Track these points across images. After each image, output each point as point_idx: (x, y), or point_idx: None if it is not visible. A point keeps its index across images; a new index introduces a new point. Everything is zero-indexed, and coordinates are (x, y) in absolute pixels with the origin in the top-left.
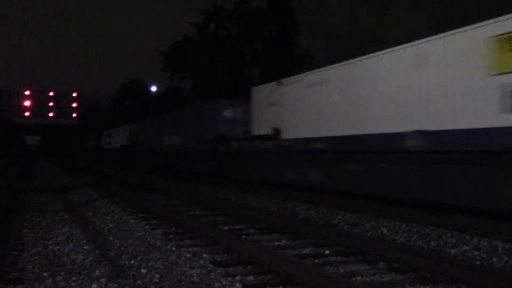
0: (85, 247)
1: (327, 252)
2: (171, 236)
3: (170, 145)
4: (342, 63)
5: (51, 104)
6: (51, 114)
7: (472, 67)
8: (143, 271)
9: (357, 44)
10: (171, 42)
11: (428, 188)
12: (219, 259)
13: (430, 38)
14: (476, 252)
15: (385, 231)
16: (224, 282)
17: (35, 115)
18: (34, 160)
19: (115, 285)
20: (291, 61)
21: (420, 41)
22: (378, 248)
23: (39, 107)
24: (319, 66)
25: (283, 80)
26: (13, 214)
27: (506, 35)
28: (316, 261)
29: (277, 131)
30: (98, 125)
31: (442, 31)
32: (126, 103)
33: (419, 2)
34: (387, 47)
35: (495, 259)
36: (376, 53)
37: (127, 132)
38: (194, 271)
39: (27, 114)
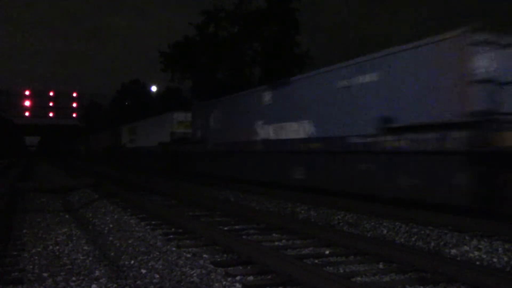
0: (85, 247)
1: (327, 252)
2: (171, 236)
3: (276, 141)
4: None
5: (51, 104)
6: (51, 114)
7: None
8: (143, 271)
9: (358, 45)
10: (171, 42)
11: None
12: (219, 260)
13: None
14: (476, 253)
15: (385, 232)
16: (224, 283)
17: (35, 115)
18: (34, 161)
19: (115, 285)
20: (291, 61)
21: None
22: (378, 248)
23: (39, 107)
24: (320, 67)
25: None
26: (13, 215)
27: None
28: (316, 261)
29: None
30: (108, 123)
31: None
32: (127, 103)
33: (419, 3)
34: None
35: (495, 260)
36: None
37: (169, 125)
38: (194, 271)
39: (27, 114)
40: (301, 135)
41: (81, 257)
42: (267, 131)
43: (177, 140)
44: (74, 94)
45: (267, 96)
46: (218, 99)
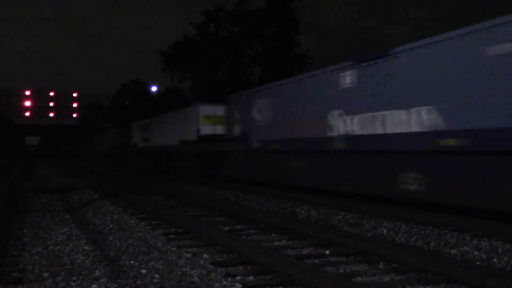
0: (85, 247)
1: (327, 252)
2: (171, 236)
3: (368, 137)
4: None
5: (51, 104)
6: (51, 114)
7: None
8: (143, 271)
9: (357, 45)
10: (171, 42)
11: None
12: (219, 260)
13: None
14: (476, 253)
15: (385, 232)
16: (224, 282)
17: (36, 115)
18: (34, 161)
19: (115, 285)
20: (291, 61)
21: None
22: (378, 248)
23: (39, 107)
24: (319, 67)
25: None
26: (13, 214)
27: None
28: (317, 261)
29: None
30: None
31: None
32: (127, 103)
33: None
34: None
35: (495, 260)
36: None
37: (194, 120)
38: (194, 271)
39: (27, 114)
40: (414, 127)
41: (81, 257)
42: (348, 124)
43: (206, 138)
44: (75, 94)
45: (348, 77)
46: (266, 86)
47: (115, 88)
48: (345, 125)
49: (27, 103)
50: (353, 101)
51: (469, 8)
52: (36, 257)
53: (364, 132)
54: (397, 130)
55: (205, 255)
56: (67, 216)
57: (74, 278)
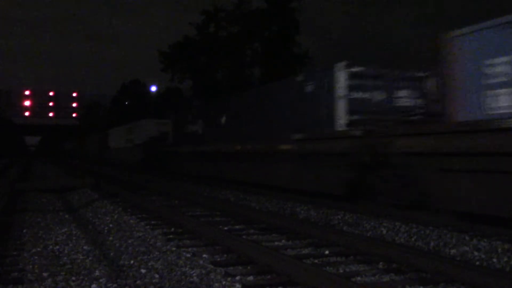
0: (85, 247)
1: (326, 252)
2: (171, 236)
3: None
4: None
5: (51, 104)
6: (51, 114)
7: None
8: (143, 271)
9: (357, 45)
10: (171, 43)
11: None
12: (219, 259)
13: None
14: (476, 253)
15: (384, 232)
16: (224, 282)
17: (35, 115)
18: (34, 161)
19: (115, 285)
20: (291, 61)
21: None
22: (378, 248)
23: (39, 107)
24: (319, 67)
25: None
26: (13, 214)
27: None
28: (316, 261)
29: None
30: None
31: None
32: (126, 103)
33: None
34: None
35: (494, 260)
36: None
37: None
38: (194, 271)
39: (27, 114)
40: None
41: (81, 257)
42: None
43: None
44: (74, 94)
45: None
46: None
47: (115, 88)
48: None
49: (27, 103)
50: None
51: (464, 8)
52: (36, 257)
53: None
54: None
55: (204, 255)
56: (67, 216)
57: (73, 278)
